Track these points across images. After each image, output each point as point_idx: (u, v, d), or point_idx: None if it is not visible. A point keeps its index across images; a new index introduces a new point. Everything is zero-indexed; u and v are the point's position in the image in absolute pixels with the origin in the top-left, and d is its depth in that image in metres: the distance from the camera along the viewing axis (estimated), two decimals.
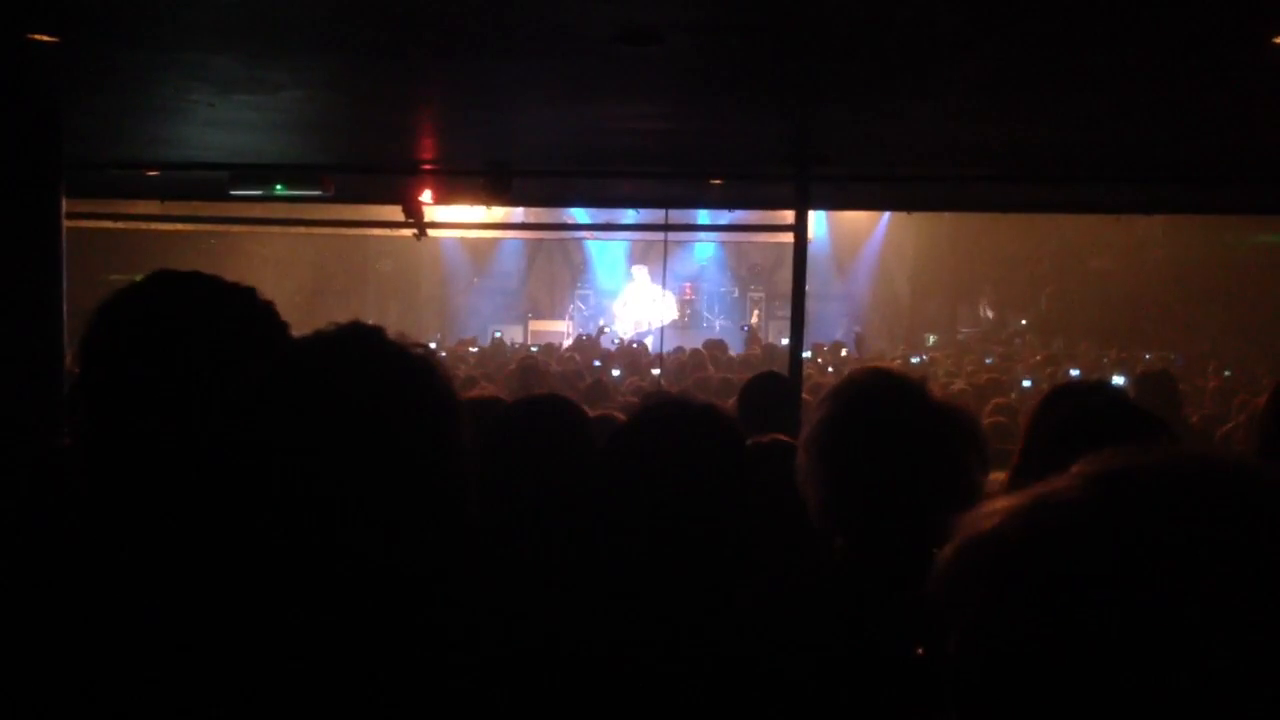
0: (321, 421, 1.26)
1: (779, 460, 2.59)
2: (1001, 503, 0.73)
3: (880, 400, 1.98)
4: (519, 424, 2.38)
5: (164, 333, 1.50)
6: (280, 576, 1.25)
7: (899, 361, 14.37)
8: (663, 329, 16.79)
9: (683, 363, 11.99)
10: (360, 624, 1.26)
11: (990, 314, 20.36)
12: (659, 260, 18.43)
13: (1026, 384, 11.21)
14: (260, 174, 7.50)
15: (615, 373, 10.62)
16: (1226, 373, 11.92)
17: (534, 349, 14.65)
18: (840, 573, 1.87)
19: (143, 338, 1.49)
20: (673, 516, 1.71)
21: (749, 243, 20.13)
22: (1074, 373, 12.14)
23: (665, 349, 13.64)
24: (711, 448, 1.80)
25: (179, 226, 11.55)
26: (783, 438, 2.77)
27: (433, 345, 15.59)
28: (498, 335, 17.45)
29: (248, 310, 1.58)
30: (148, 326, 1.51)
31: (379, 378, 1.31)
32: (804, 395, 6.54)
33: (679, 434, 1.81)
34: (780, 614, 1.89)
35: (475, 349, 15.46)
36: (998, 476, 2.11)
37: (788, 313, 7.29)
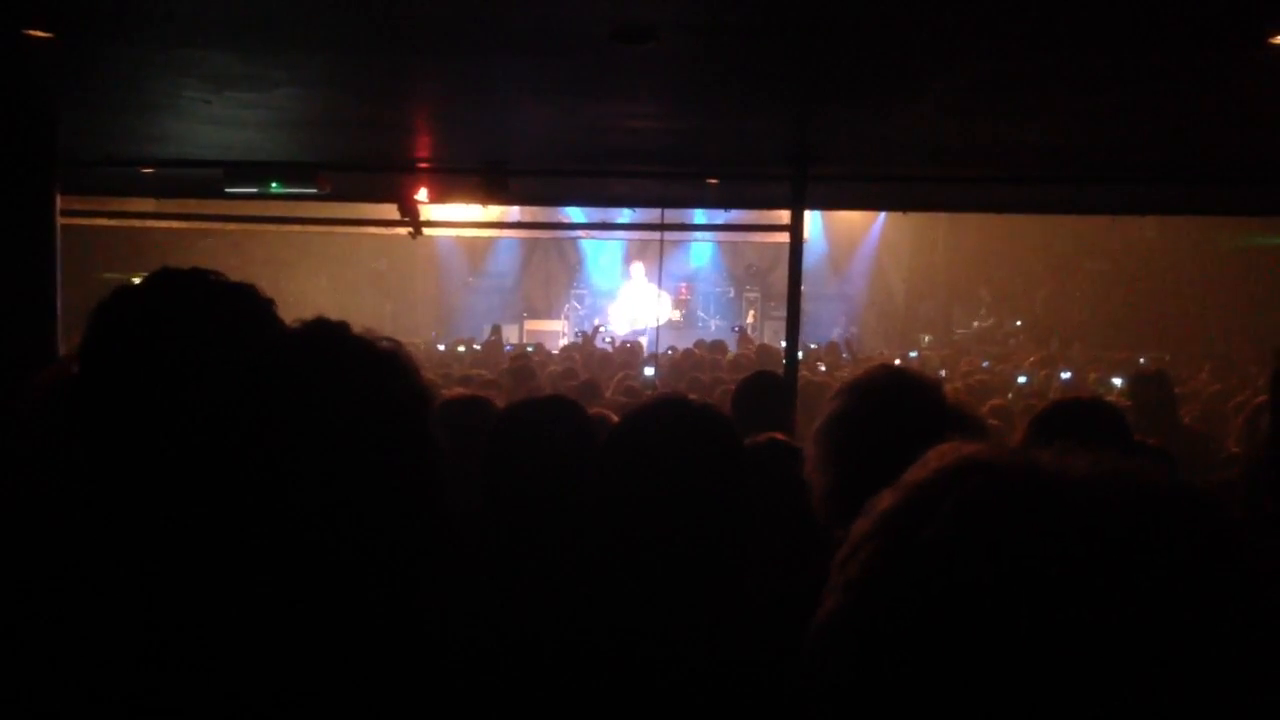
0: (286, 416, 1.26)
1: (777, 460, 2.59)
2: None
3: (894, 397, 1.98)
4: (523, 424, 2.37)
5: (166, 332, 1.49)
6: (253, 572, 1.25)
7: (897, 361, 14.38)
8: (658, 329, 16.77)
9: (677, 363, 11.98)
10: (333, 617, 1.25)
11: (986, 314, 20.38)
12: (655, 260, 18.41)
13: (1022, 379, 11.22)
14: (255, 172, 7.49)
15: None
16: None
17: (529, 349, 14.61)
18: None
19: (145, 337, 1.49)
20: (668, 516, 1.70)
21: (745, 243, 20.13)
22: (1064, 375, 12.17)
23: (660, 349, 13.63)
24: (708, 447, 1.79)
25: (174, 224, 11.53)
26: (779, 437, 2.76)
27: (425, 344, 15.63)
28: (493, 338, 17.35)
29: (248, 308, 1.58)
30: (150, 326, 1.50)
31: (343, 371, 1.31)
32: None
33: (675, 433, 1.80)
34: (781, 616, 1.89)
35: (477, 347, 15.40)
36: None
37: (783, 313, 7.29)
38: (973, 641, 0.68)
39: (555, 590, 1.72)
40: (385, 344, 1.38)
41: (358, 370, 1.32)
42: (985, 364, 13.92)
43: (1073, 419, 2.89)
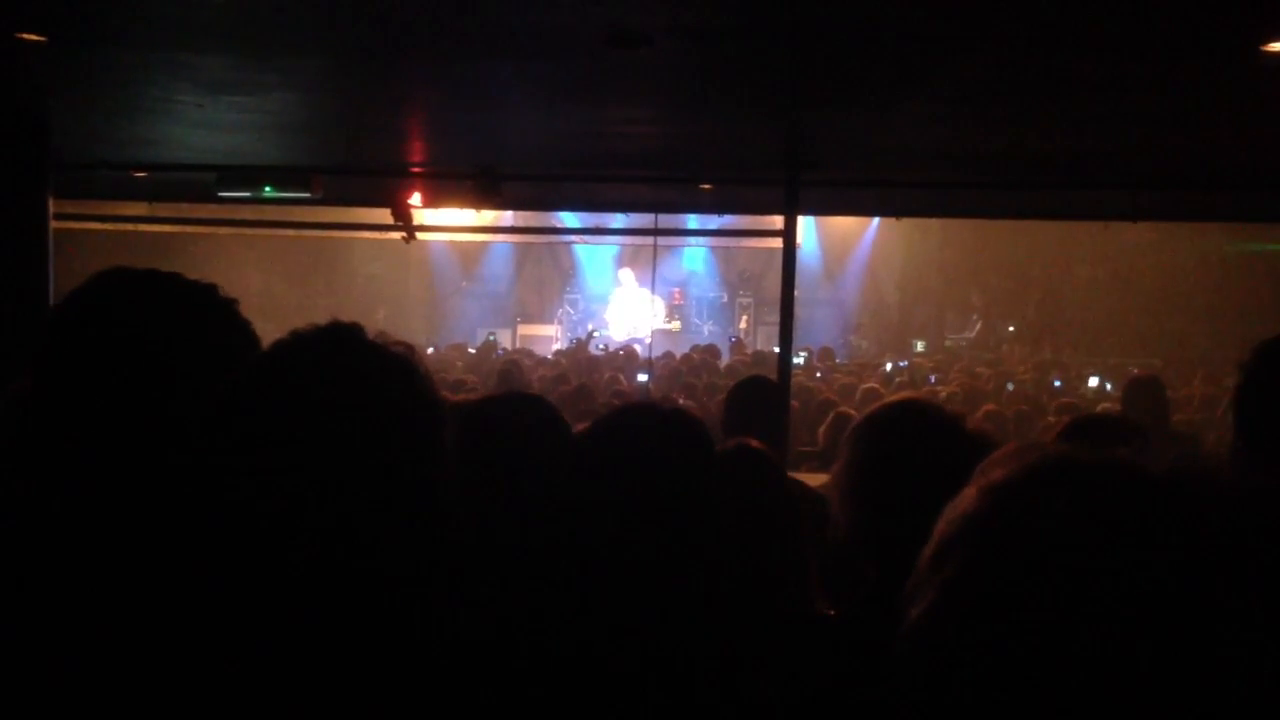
0: (301, 422, 1.25)
1: (746, 465, 2.59)
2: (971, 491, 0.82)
3: (912, 435, 2.00)
4: (490, 421, 2.36)
5: (121, 333, 1.47)
6: (259, 582, 1.24)
7: (888, 366, 14.39)
8: (651, 337, 16.74)
9: (674, 368, 11.98)
10: (342, 626, 1.25)
11: (976, 320, 20.39)
12: (648, 265, 18.38)
13: (1010, 386, 11.37)
14: (248, 176, 7.49)
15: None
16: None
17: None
18: (870, 601, 1.90)
19: (99, 338, 1.46)
20: (635, 516, 1.70)
21: (738, 248, 20.13)
22: (1056, 384, 12.27)
23: (654, 354, 13.62)
24: (676, 449, 1.79)
25: (167, 228, 11.51)
26: (752, 442, 2.76)
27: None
28: (491, 338, 17.26)
29: (209, 308, 1.55)
30: (104, 327, 1.48)
31: (358, 377, 1.30)
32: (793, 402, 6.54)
33: (642, 437, 1.80)
34: (756, 615, 1.90)
35: (471, 350, 15.38)
36: None
37: (777, 318, 7.30)
38: (1102, 626, 0.69)
39: (522, 589, 1.72)
40: (399, 349, 1.38)
41: (373, 373, 1.32)
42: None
43: (1100, 430, 2.93)
